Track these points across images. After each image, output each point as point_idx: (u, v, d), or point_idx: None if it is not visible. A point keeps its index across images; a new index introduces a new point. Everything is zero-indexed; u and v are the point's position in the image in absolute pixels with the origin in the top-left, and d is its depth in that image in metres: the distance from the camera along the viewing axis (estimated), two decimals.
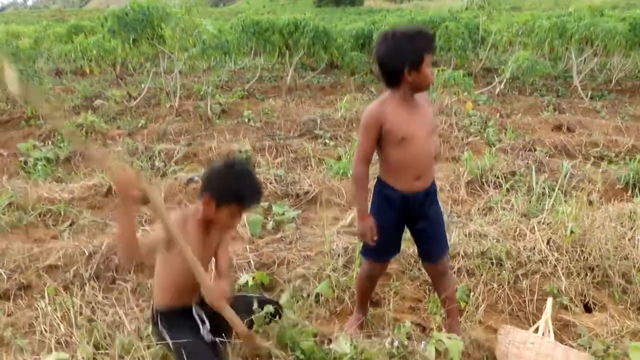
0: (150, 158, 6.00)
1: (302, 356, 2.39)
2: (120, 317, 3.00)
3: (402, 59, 2.38)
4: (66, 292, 3.23)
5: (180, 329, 2.36)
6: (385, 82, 2.51)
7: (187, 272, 2.21)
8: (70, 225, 4.47)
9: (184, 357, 2.21)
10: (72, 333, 2.88)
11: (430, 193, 2.62)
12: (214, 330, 2.41)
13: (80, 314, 3.05)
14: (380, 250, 2.75)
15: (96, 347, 2.75)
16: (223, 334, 2.41)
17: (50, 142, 6.78)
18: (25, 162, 6.02)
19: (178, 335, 2.31)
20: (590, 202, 4.32)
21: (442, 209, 2.76)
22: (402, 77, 2.42)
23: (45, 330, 2.92)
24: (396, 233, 2.71)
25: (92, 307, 3.16)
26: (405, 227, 2.76)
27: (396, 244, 2.77)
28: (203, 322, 2.42)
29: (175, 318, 2.41)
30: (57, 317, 3.00)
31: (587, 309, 3.27)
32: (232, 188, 2.30)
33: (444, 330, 2.74)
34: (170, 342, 2.32)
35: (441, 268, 2.81)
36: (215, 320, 2.39)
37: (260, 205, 2.49)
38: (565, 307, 3.20)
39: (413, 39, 2.38)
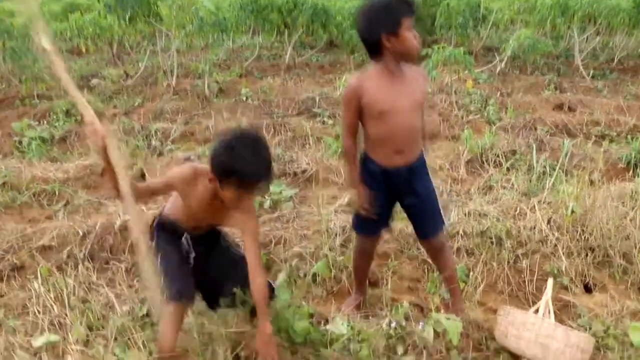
0: (146, 137, 5.92)
1: (297, 338, 2.35)
2: (114, 298, 2.97)
3: (378, 26, 2.33)
4: (60, 273, 3.19)
5: (171, 248, 2.42)
6: (369, 55, 2.46)
7: (192, 212, 2.34)
8: (65, 205, 4.41)
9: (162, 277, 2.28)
10: (65, 314, 2.85)
11: (414, 168, 2.56)
12: (198, 260, 2.47)
13: (74, 294, 3.01)
14: (367, 224, 2.72)
15: (90, 328, 2.72)
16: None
17: (45, 122, 6.69)
18: (20, 142, 5.94)
19: (166, 254, 2.36)
20: (592, 182, 4.26)
21: (434, 186, 2.69)
22: (381, 45, 2.36)
23: (39, 311, 2.89)
24: (383, 207, 2.66)
25: (86, 287, 3.12)
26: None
27: (384, 218, 2.74)
28: (189, 252, 2.46)
29: (169, 233, 2.44)
30: (51, 298, 2.97)
31: (587, 289, 3.24)
32: (230, 165, 2.10)
33: (442, 310, 2.71)
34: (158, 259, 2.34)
35: (437, 245, 2.76)
36: (202, 252, 2.48)
37: (270, 184, 2.30)
38: (566, 288, 3.17)
39: (388, 4, 2.33)
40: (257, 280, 2.30)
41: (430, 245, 2.80)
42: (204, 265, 2.50)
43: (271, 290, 2.56)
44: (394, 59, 2.40)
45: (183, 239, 2.47)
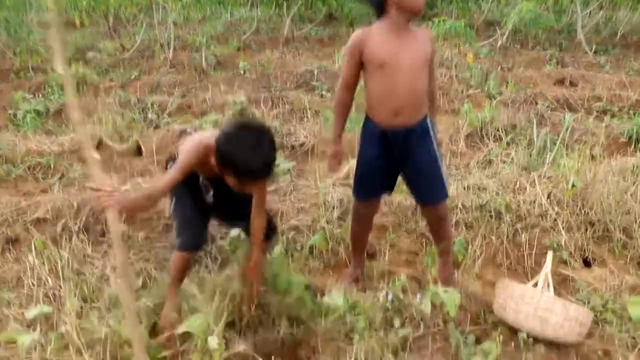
0: (143, 110, 5.84)
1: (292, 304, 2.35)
2: (109, 270, 2.95)
3: None
4: (54, 246, 3.16)
5: (184, 194, 2.53)
6: (375, 13, 2.44)
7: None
8: (60, 178, 4.37)
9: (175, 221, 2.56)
10: (60, 286, 2.83)
11: (414, 132, 2.51)
12: (215, 199, 2.57)
13: (69, 267, 2.99)
14: (363, 188, 2.71)
15: (84, 300, 2.70)
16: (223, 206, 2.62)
17: (40, 95, 6.61)
18: (15, 115, 5.87)
19: (180, 201, 2.54)
20: (593, 157, 4.22)
21: (438, 154, 2.64)
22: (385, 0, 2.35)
23: (33, 284, 2.87)
24: (380, 171, 2.63)
25: (81, 260, 3.10)
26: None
27: (382, 183, 2.71)
28: (207, 190, 2.55)
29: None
30: (45, 270, 2.94)
31: (587, 263, 3.23)
32: (229, 160, 2.13)
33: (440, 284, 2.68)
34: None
35: (441, 213, 2.73)
36: (219, 193, 2.55)
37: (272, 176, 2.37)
38: (564, 262, 3.15)
39: None
40: (256, 220, 2.49)
41: (433, 213, 2.74)
42: (224, 198, 2.58)
43: (272, 230, 2.73)
44: (399, 14, 2.37)
45: (201, 181, 2.54)
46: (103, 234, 3.43)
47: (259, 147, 2.12)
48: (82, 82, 6.97)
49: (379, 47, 2.37)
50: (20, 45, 7.89)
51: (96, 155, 1.89)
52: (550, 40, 10.16)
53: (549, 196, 3.57)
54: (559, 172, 3.78)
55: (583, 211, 3.46)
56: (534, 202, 3.53)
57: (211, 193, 2.56)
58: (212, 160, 2.21)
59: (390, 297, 2.42)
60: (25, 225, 3.47)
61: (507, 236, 3.24)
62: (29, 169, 4.49)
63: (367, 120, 2.56)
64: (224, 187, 2.47)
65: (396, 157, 2.56)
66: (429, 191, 2.66)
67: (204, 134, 2.45)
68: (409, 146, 2.52)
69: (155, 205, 2.41)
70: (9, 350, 2.37)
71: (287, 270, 2.61)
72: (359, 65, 2.44)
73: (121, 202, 1.94)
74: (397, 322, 2.34)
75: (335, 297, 2.41)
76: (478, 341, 2.36)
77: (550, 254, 2.63)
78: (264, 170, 2.17)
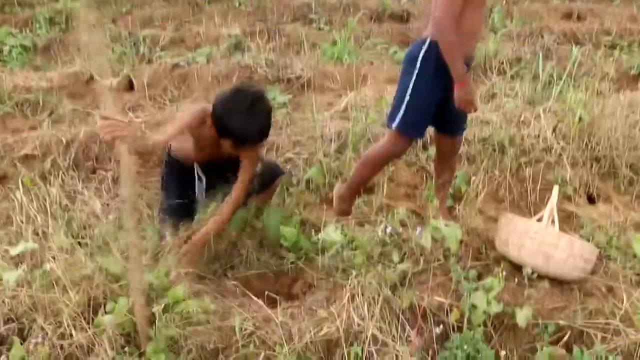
0: (134, 44, 5.64)
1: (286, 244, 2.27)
2: (99, 207, 2.87)
3: None
4: (43, 182, 3.06)
5: (175, 180, 2.62)
6: None
7: (202, 150, 2.42)
8: (50, 115, 4.24)
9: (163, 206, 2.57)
10: (49, 224, 2.75)
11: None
12: (207, 187, 2.60)
13: (57, 203, 2.90)
14: (422, 124, 2.60)
15: (74, 236, 2.62)
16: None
17: (27, 30, 6.37)
18: (0, 50, 5.65)
19: (170, 184, 2.63)
20: (600, 92, 4.08)
21: None
22: None
23: (22, 221, 2.78)
24: (436, 105, 2.54)
25: (71, 196, 3.02)
26: None
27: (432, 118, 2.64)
28: (200, 179, 2.60)
29: (176, 168, 2.61)
30: (34, 207, 2.85)
31: (591, 200, 3.16)
32: (226, 123, 2.19)
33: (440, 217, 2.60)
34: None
35: (459, 142, 2.81)
36: (211, 179, 2.58)
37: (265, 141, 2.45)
38: (568, 198, 3.07)
39: None
40: (235, 193, 2.40)
41: (454, 143, 2.77)
42: (215, 182, 2.58)
43: (279, 174, 2.77)
44: None
45: (195, 169, 2.60)
46: (93, 171, 3.36)
47: (254, 114, 2.20)
48: (71, 16, 6.75)
49: None
50: None
51: (108, 83, 1.83)
52: None
53: (554, 130, 3.47)
54: (565, 106, 3.67)
55: (589, 146, 3.37)
56: (539, 136, 3.43)
57: (204, 182, 2.60)
58: (209, 124, 2.26)
59: (389, 229, 2.33)
60: (12, 161, 3.39)
61: (511, 170, 3.16)
62: (17, 105, 4.35)
63: (440, 54, 2.39)
64: (216, 171, 2.55)
65: (449, 90, 2.45)
66: (461, 121, 2.70)
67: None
68: None
69: (154, 155, 2.50)
70: None
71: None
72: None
73: (133, 135, 1.84)
74: (395, 257, 2.25)
75: (332, 232, 2.33)
76: (480, 277, 2.28)
77: (556, 188, 2.54)
78: (261, 136, 2.26)
